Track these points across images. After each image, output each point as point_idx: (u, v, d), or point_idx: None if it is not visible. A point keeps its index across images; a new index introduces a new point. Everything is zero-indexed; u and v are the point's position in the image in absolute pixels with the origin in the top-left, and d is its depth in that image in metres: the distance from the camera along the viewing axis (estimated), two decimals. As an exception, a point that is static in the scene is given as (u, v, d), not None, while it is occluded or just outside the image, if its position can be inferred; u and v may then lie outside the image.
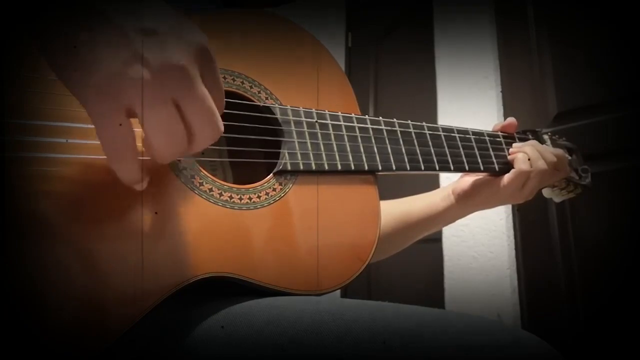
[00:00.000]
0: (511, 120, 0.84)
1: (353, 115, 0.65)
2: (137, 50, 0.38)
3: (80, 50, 0.37)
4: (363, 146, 0.64)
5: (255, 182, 0.56)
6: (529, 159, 0.77)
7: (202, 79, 0.42)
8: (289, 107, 0.61)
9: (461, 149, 0.74)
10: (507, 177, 0.77)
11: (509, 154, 0.79)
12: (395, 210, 0.83)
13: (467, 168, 0.74)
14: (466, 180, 0.83)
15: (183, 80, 0.40)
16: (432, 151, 0.70)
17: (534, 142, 0.81)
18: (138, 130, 0.41)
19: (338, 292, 0.59)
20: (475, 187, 0.81)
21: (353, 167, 0.62)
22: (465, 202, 0.82)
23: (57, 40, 0.38)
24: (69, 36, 0.37)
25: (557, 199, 0.91)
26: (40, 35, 0.38)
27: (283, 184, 0.57)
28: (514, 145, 0.80)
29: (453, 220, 0.86)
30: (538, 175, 0.77)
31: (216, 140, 0.44)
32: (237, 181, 0.57)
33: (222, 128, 0.44)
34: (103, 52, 0.38)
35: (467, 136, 0.76)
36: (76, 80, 0.38)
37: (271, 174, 0.57)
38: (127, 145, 0.40)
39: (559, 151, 0.84)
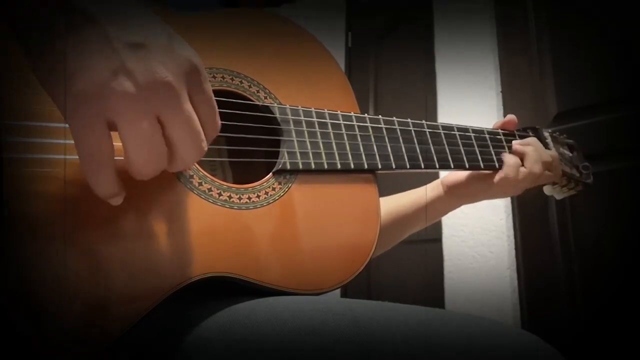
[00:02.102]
0: (511, 117, 0.83)
1: (352, 114, 0.65)
2: (123, 63, 0.37)
3: (66, 57, 0.37)
4: (362, 145, 0.64)
5: (255, 181, 0.56)
6: (522, 164, 0.77)
7: (190, 98, 0.41)
8: (288, 106, 0.60)
9: (461, 147, 0.74)
10: (497, 177, 0.77)
11: (513, 150, 0.79)
12: (386, 205, 0.83)
13: (467, 166, 0.74)
14: (458, 172, 0.83)
15: (168, 97, 0.39)
16: (432, 149, 0.70)
17: (533, 140, 0.81)
18: (119, 144, 0.40)
19: (338, 291, 0.59)
20: (465, 179, 0.81)
21: (352, 166, 0.62)
22: (454, 193, 0.82)
23: (43, 47, 0.37)
24: (55, 44, 0.37)
25: (558, 197, 0.91)
26: (27, 41, 0.38)
27: (282, 184, 0.57)
28: (514, 142, 0.80)
29: (442, 213, 0.86)
30: (528, 176, 0.77)
31: (197, 160, 0.44)
32: (237, 181, 0.57)
33: (205, 149, 0.43)
34: (88, 63, 0.37)
35: (467, 134, 0.76)
36: (58, 86, 0.37)
37: (270, 174, 0.57)
38: (104, 157, 0.39)
39: (554, 153, 0.84)
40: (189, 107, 0.41)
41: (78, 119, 0.38)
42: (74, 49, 0.37)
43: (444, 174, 0.85)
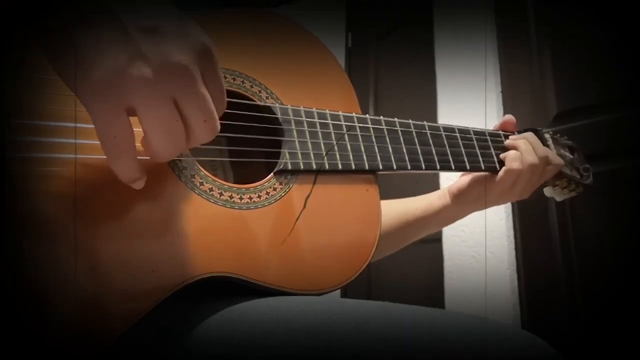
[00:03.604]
0: (509, 117, 0.84)
1: (354, 114, 0.65)
2: (138, 49, 0.38)
3: (81, 47, 0.37)
4: (364, 145, 0.64)
5: (256, 182, 0.56)
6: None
7: (202, 79, 0.42)
8: (289, 106, 0.60)
9: (462, 148, 0.74)
10: (498, 175, 0.77)
11: (505, 147, 0.79)
12: (394, 209, 0.83)
13: (468, 167, 0.74)
14: (462, 179, 0.83)
15: (184, 80, 0.40)
16: (433, 150, 0.70)
17: (529, 134, 0.81)
18: (138, 130, 0.41)
19: (338, 292, 0.59)
20: (468, 184, 0.81)
21: (354, 167, 0.62)
22: (459, 200, 0.82)
23: (58, 36, 0.38)
24: (70, 33, 0.37)
25: (558, 198, 0.91)
26: (42, 31, 0.38)
27: (284, 184, 0.57)
28: (510, 137, 0.81)
29: (451, 221, 0.86)
30: (528, 170, 0.77)
31: (210, 140, 0.44)
32: (238, 181, 0.57)
33: (219, 129, 0.44)
34: (104, 50, 0.37)
35: (469, 135, 0.76)
36: (77, 77, 0.38)
37: (271, 174, 0.57)
38: (126, 143, 0.40)
39: (547, 149, 0.84)
40: (203, 87, 0.41)
41: (98, 108, 0.38)
42: (90, 38, 0.37)
43: (445, 180, 0.85)
